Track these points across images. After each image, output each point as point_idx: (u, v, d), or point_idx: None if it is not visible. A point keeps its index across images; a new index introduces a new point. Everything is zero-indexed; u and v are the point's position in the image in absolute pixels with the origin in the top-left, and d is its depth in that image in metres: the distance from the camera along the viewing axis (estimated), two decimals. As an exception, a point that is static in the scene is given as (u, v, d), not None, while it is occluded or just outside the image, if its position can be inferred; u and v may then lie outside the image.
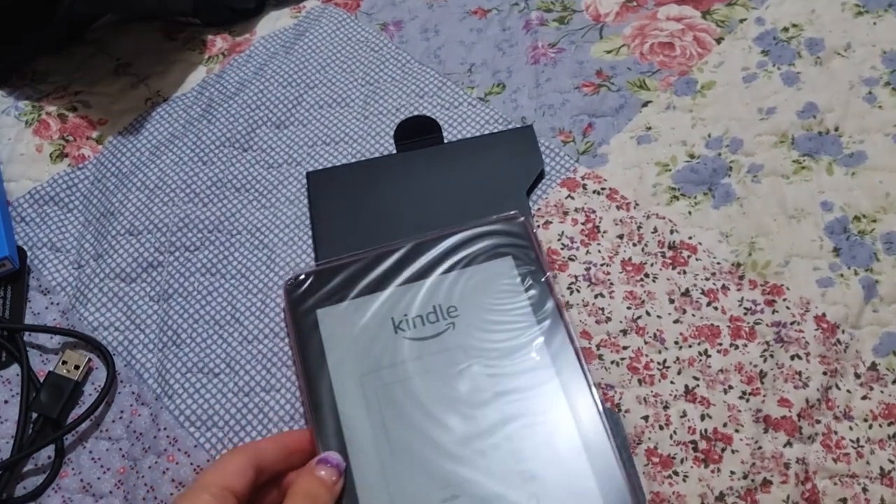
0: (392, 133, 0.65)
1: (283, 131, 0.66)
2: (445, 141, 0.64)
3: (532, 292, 0.53)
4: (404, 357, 0.52)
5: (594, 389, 0.50)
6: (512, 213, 0.57)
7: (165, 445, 0.53)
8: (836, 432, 0.50)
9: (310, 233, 0.61)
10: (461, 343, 0.52)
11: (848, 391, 0.51)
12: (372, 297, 0.54)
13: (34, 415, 0.55)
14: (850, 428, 0.50)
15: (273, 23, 0.74)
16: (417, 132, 0.65)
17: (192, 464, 0.52)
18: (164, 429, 0.54)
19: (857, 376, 0.52)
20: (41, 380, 0.56)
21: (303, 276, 0.55)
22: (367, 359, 0.52)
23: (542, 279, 0.54)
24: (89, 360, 0.56)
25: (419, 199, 0.61)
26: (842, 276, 0.55)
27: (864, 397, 0.51)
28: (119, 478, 0.53)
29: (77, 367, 0.56)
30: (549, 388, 0.50)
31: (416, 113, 0.66)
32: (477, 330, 0.52)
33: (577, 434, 0.48)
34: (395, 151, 0.64)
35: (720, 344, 0.54)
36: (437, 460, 0.48)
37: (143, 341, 0.58)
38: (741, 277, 0.56)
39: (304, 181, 0.63)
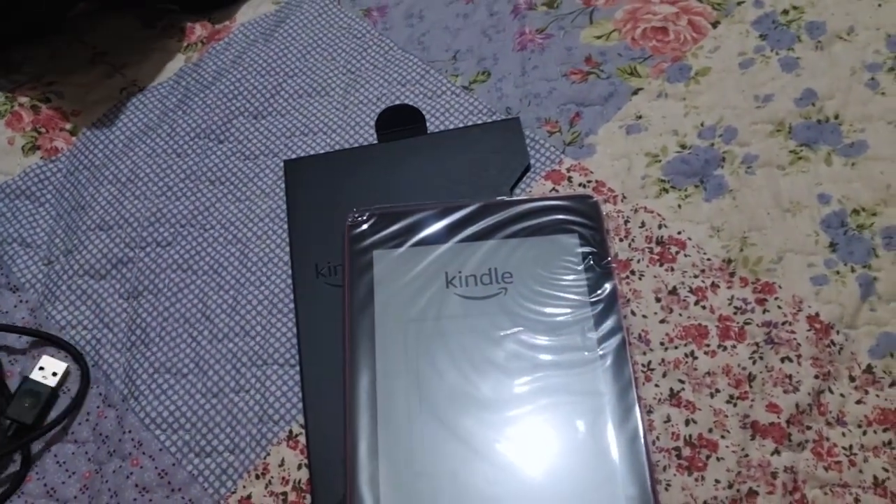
0: (372, 123, 0.63)
1: (261, 121, 0.64)
2: (429, 131, 0.62)
3: (591, 273, 0.52)
4: (451, 312, 0.52)
5: (636, 383, 0.48)
6: (586, 192, 0.57)
7: (130, 449, 0.51)
8: (827, 439, 0.48)
9: (285, 227, 0.59)
10: (510, 310, 0.51)
11: (841, 395, 0.49)
12: (429, 248, 0.54)
13: (7, 421, 0.53)
14: (843, 434, 0.48)
15: (254, 9, 0.71)
16: (400, 122, 0.63)
17: (156, 468, 0.51)
18: (129, 431, 0.52)
19: (852, 379, 0.49)
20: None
21: (366, 215, 0.55)
22: (414, 307, 0.52)
23: (604, 262, 0.53)
24: (67, 367, 0.55)
25: (400, 190, 0.58)
26: (838, 273, 0.52)
27: (858, 402, 0.49)
28: (84, 482, 0.51)
29: (55, 374, 0.54)
30: (590, 370, 0.49)
31: (397, 102, 0.64)
32: (528, 300, 0.52)
33: (610, 423, 0.47)
34: (375, 142, 0.62)
35: (707, 345, 0.51)
36: (462, 419, 0.48)
37: (111, 340, 0.56)
38: (732, 274, 0.53)
39: (281, 173, 0.61)
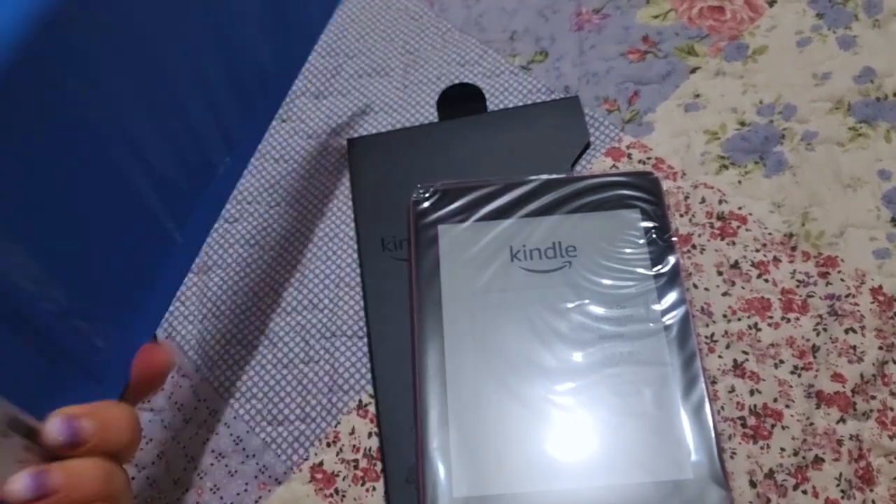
0: (432, 103, 0.64)
1: (322, 101, 0.65)
2: (489, 110, 0.63)
3: (653, 247, 0.53)
4: (516, 285, 0.53)
5: (700, 355, 0.49)
6: (646, 169, 0.58)
7: (205, 416, 0.53)
8: (892, 408, 0.48)
9: (349, 203, 0.60)
10: (574, 282, 0.52)
11: (906, 366, 0.50)
12: (494, 222, 0.55)
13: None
14: (908, 405, 0.48)
15: (312, -8, 0.73)
16: (461, 100, 0.64)
17: (231, 435, 0.52)
18: (204, 400, 0.54)
19: (916, 351, 0.50)
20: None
21: (431, 191, 0.56)
22: (480, 280, 0.53)
23: (666, 237, 0.53)
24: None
25: (462, 167, 0.59)
26: (900, 247, 0.53)
27: (922, 373, 0.49)
28: (161, 448, 0.53)
29: None
30: (655, 341, 0.50)
31: (457, 82, 0.65)
32: (592, 273, 0.53)
33: (676, 392, 0.48)
34: (435, 121, 0.63)
35: (771, 317, 0.52)
36: (529, 388, 0.49)
37: (183, 313, 0.58)
38: (793, 249, 0.54)
39: (344, 151, 0.62)
